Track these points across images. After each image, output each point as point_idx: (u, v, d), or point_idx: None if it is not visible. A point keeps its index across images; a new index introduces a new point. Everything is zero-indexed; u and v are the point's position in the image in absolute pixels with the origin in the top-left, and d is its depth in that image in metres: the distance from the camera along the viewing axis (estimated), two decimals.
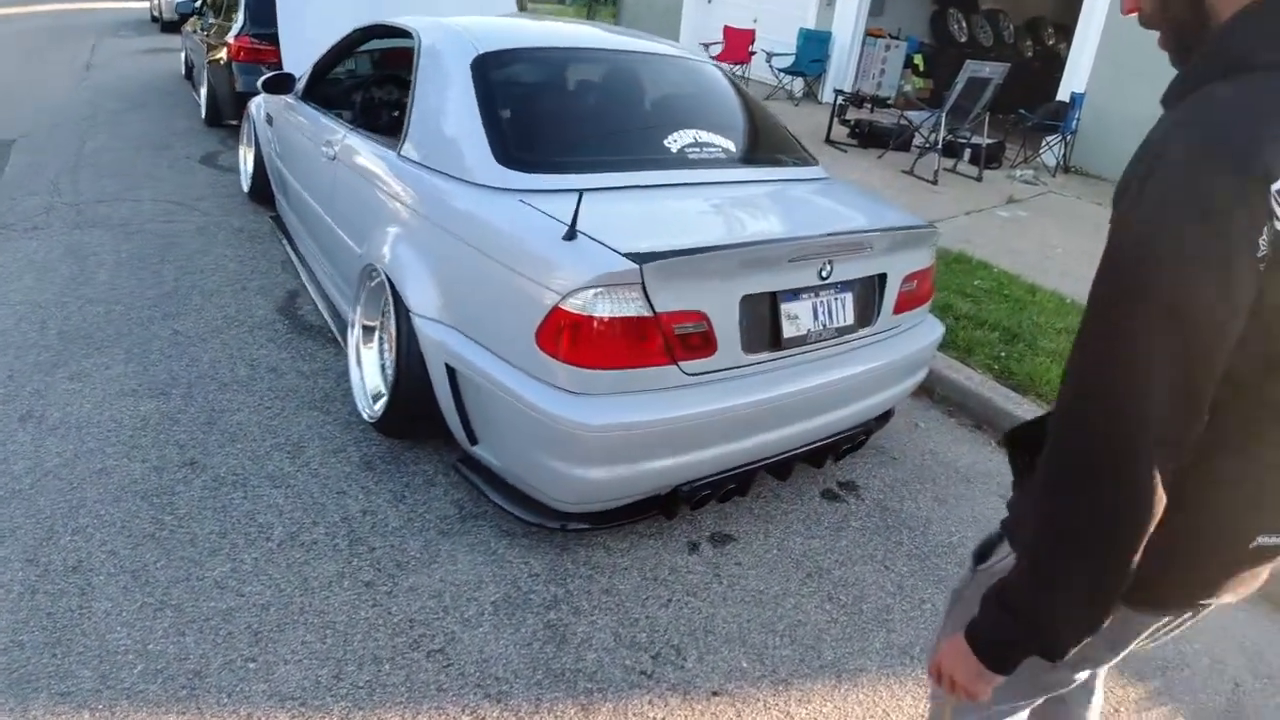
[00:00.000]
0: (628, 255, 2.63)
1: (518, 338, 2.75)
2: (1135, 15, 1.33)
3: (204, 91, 8.76)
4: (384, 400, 3.39)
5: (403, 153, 3.52)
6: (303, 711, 2.47)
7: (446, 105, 3.44)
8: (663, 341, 2.69)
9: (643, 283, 2.61)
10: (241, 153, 6.55)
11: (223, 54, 7.98)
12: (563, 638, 2.77)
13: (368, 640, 2.70)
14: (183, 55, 11.60)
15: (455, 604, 2.84)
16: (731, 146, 3.82)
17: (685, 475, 2.90)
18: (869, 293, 3.28)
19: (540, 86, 3.78)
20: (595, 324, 2.61)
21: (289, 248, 5.25)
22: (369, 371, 3.58)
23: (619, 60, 4.12)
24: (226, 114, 8.20)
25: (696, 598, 2.97)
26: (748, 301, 2.85)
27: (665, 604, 2.93)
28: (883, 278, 3.30)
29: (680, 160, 3.50)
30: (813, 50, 12.93)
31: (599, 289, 2.60)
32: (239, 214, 6.15)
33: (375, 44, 5.05)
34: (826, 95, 12.51)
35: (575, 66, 3.99)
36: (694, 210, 3.25)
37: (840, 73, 12.75)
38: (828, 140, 10.07)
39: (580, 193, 2.80)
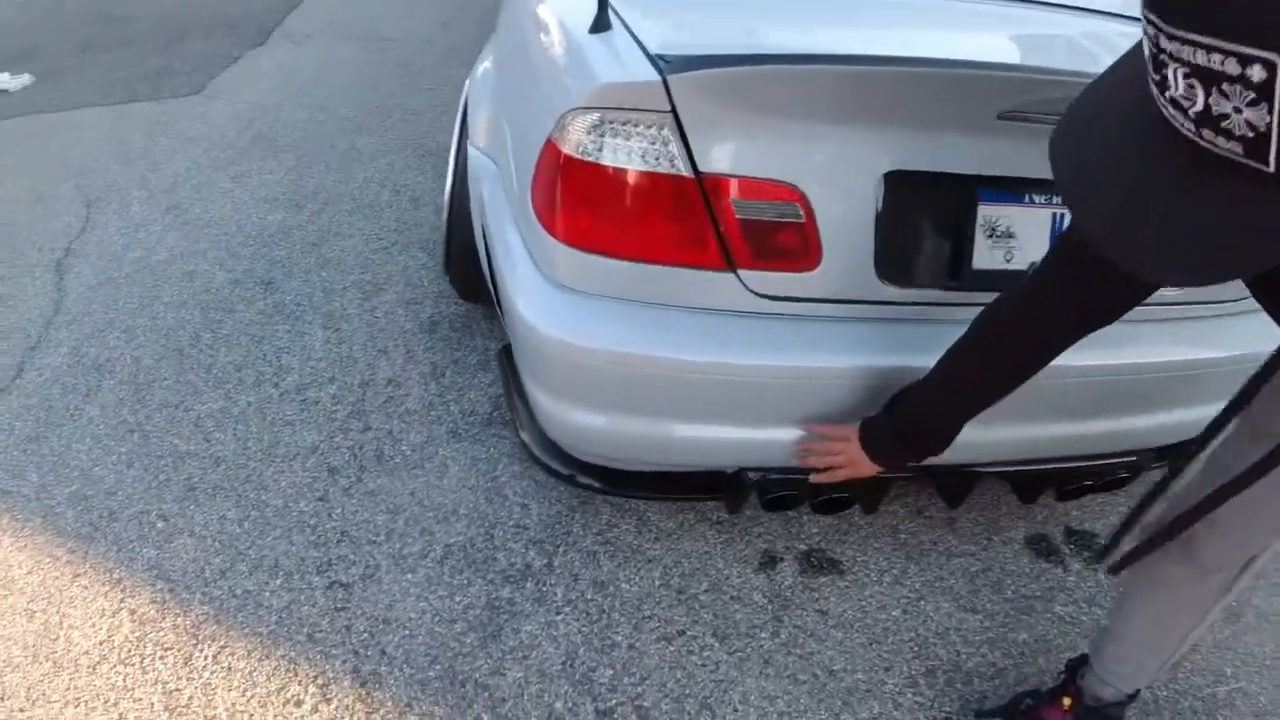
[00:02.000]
0: (655, 58, 1.50)
1: (522, 189, 1.77)
2: None
3: None
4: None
5: None
6: (162, 600, 1.95)
7: None
8: (712, 229, 1.54)
9: (673, 109, 1.47)
10: None
11: None
12: (497, 633, 1.84)
13: (283, 540, 2.02)
14: None
15: (405, 531, 2.02)
16: None
17: (754, 457, 1.74)
18: None
19: None
20: (598, 177, 1.54)
21: None
22: None
23: None
24: None
25: (725, 644, 1.85)
26: (900, 185, 1.56)
27: (670, 639, 1.86)
28: None
29: None
30: None
31: (601, 114, 1.51)
32: None
33: None
34: None
35: None
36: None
37: None
38: None
39: None
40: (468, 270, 2.33)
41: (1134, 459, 1.99)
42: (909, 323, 1.65)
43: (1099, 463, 1.98)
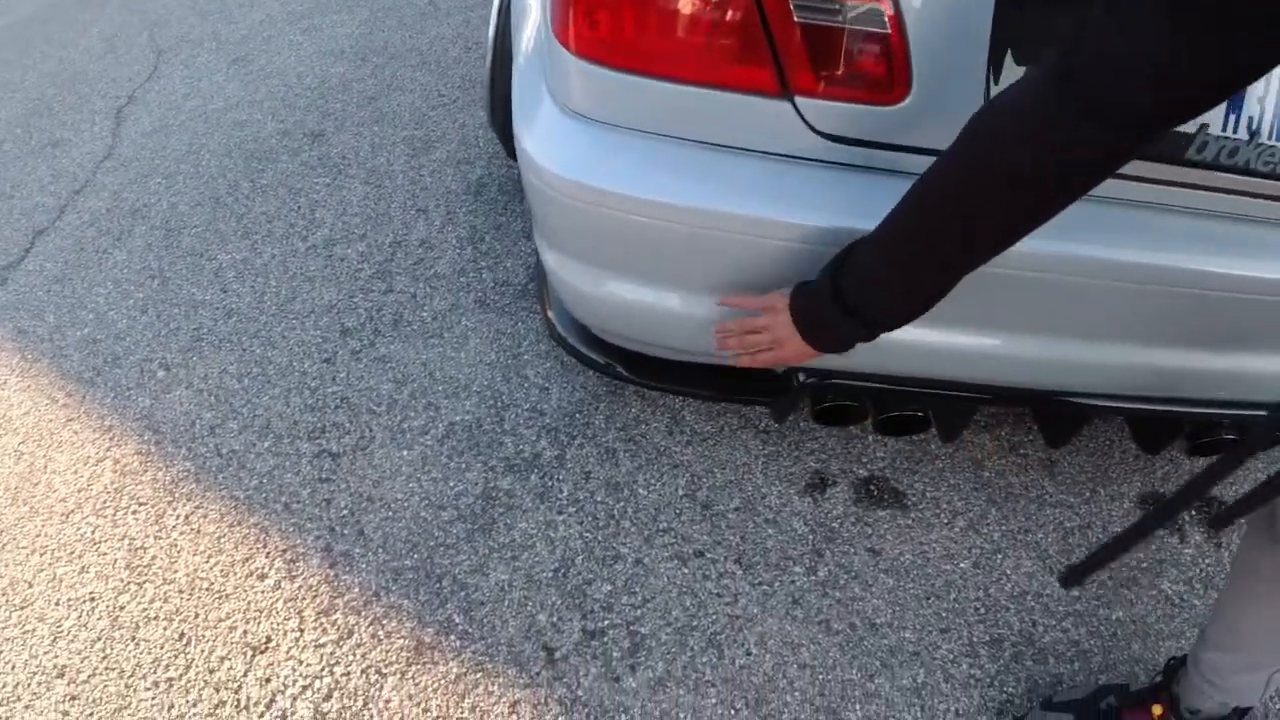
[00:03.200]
0: None
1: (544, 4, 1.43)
2: None
3: None
4: None
5: None
6: (151, 452, 1.79)
7: None
8: (762, 33, 1.15)
9: None
10: None
11: None
12: (488, 527, 1.57)
13: (280, 401, 1.79)
14: None
15: (409, 404, 1.76)
16: None
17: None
18: None
19: None
20: None
21: None
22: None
23: None
24: None
25: (750, 573, 1.53)
26: None
27: (684, 559, 1.55)
28: None
29: None
30: None
31: None
32: None
33: None
34: None
35: None
36: None
37: None
38: None
39: None
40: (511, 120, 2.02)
41: None
42: None
43: (1247, 412, 1.55)
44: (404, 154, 2.39)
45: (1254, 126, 1.28)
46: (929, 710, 1.43)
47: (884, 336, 1.27)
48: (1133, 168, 1.27)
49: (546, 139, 1.30)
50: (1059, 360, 1.39)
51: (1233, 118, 1.27)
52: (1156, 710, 1.34)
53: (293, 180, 2.34)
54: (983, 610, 1.56)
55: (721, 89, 1.19)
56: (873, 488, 1.70)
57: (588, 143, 1.25)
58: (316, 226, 2.19)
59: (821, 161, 1.22)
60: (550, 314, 1.67)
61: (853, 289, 1.06)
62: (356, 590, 1.53)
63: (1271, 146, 1.27)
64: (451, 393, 1.79)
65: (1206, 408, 1.55)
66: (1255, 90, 1.26)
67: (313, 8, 3.23)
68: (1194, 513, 1.80)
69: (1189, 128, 1.25)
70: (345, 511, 1.63)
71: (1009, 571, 1.62)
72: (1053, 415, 1.60)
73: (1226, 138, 1.26)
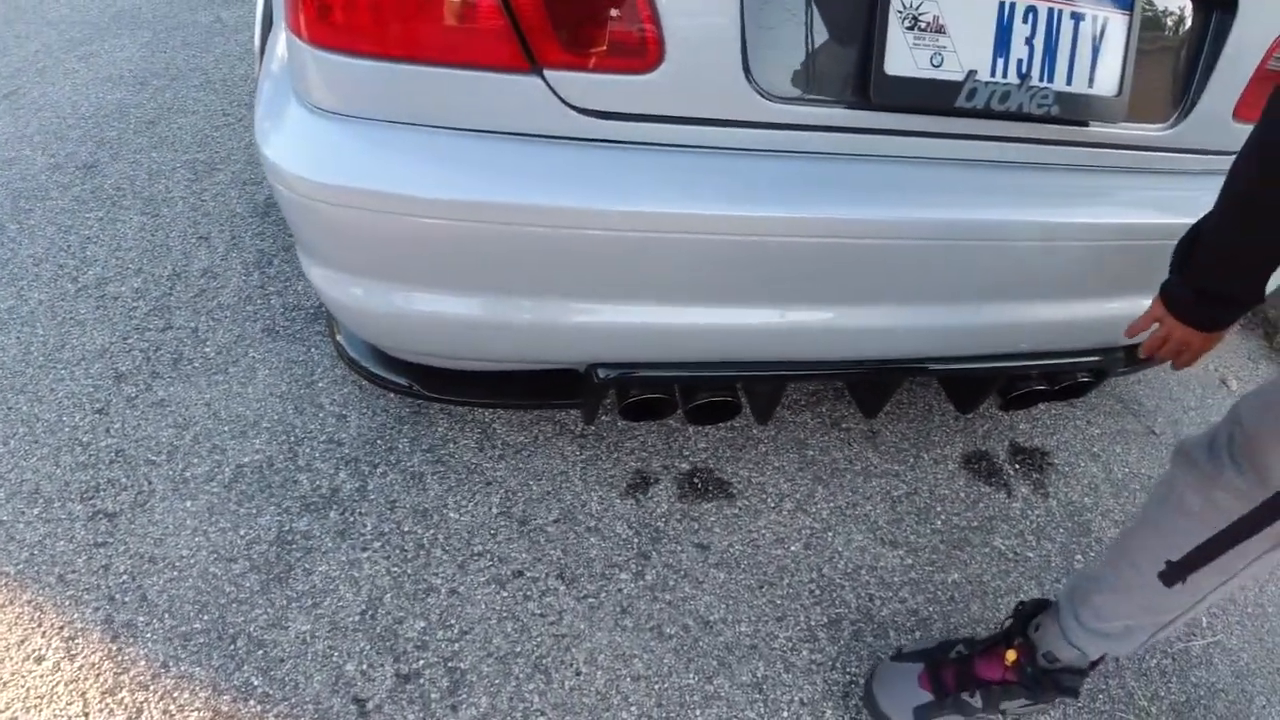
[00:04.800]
0: None
1: None
2: None
3: None
4: None
5: None
6: None
7: None
8: (503, 10, 1.03)
9: None
10: None
11: None
12: (284, 575, 1.39)
13: (49, 461, 1.56)
14: None
15: (192, 449, 1.56)
16: None
17: (606, 347, 1.28)
18: (1174, 46, 1.27)
19: None
20: None
21: None
22: None
23: None
24: None
25: (574, 588, 1.41)
26: None
27: (502, 582, 1.42)
28: (1225, 20, 1.26)
29: None
30: None
31: None
32: None
33: None
34: None
35: None
36: None
37: None
38: None
39: None
40: None
41: (1098, 359, 1.54)
42: (797, 157, 1.17)
43: (1053, 362, 1.52)
44: (184, 179, 2.16)
45: (1023, 70, 1.23)
46: (772, 704, 1.34)
47: (668, 320, 1.18)
48: (899, 121, 1.21)
49: (291, 141, 1.13)
50: (858, 328, 1.32)
51: (1000, 61, 1.22)
52: (1010, 656, 1.28)
53: (62, 218, 2.08)
54: (818, 592, 1.48)
55: (468, 68, 1.06)
56: (696, 480, 1.60)
57: (336, 140, 1.10)
58: (88, 265, 1.94)
59: (581, 140, 1.10)
60: (339, 337, 1.50)
61: (1210, 286, 1.04)
62: (143, 663, 1.32)
63: (1043, 88, 1.23)
64: (239, 432, 1.59)
65: (1018, 362, 1.52)
66: (1022, 31, 1.22)
67: (91, 34, 2.93)
68: (1017, 465, 1.77)
69: (958, 75, 1.20)
70: (125, 577, 1.42)
71: (841, 548, 1.54)
72: (865, 386, 1.54)
73: (996, 83, 1.21)
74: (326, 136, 1.11)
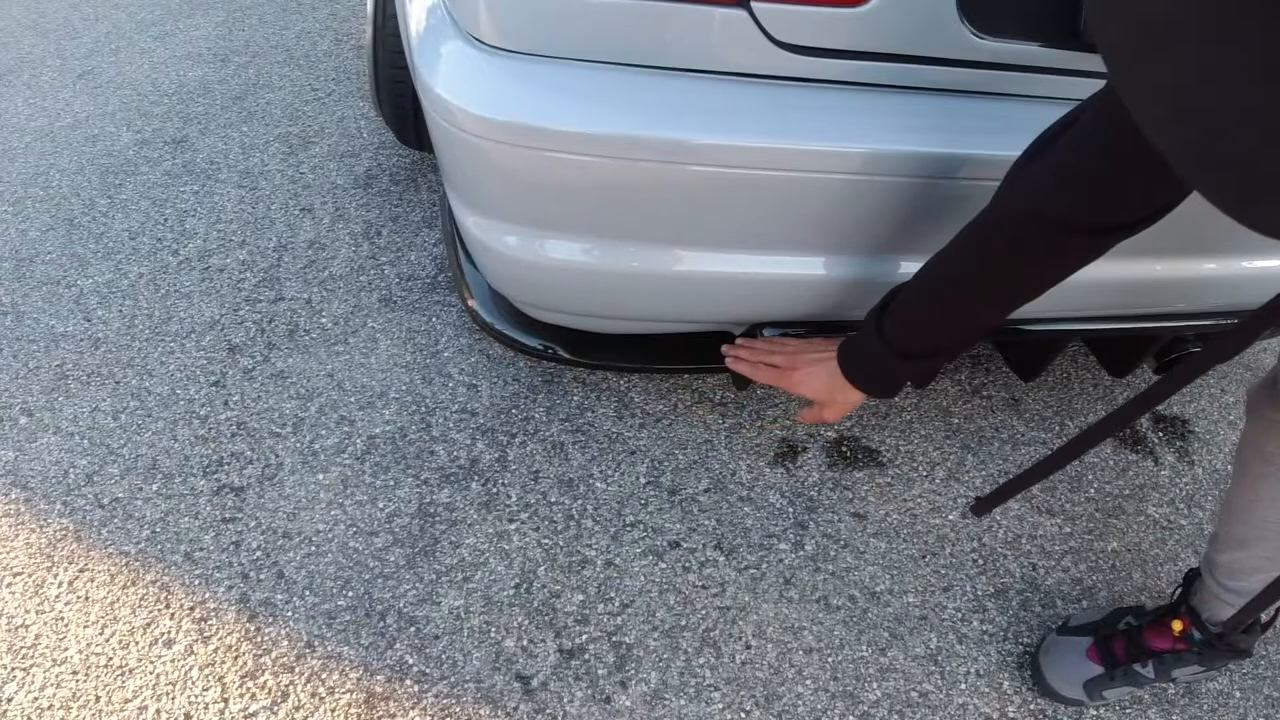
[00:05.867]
0: None
1: None
2: None
3: None
4: None
5: None
6: (21, 512, 1.45)
7: None
8: None
9: None
10: None
11: None
12: (430, 548, 1.31)
13: (165, 435, 1.48)
14: None
15: (318, 421, 1.48)
16: None
17: (775, 305, 1.19)
18: None
19: None
20: None
21: None
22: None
23: None
24: None
25: (734, 559, 1.32)
26: None
27: (660, 553, 1.33)
28: None
29: None
30: None
31: None
32: None
33: None
34: None
35: None
36: None
37: None
38: None
39: None
40: (401, 97, 1.74)
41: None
42: (1005, 99, 1.08)
43: (1209, 323, 1.43)
44: (279, 152, 2.08)
45: None
46: (949, 675, 1.25)
47: (851, 273, 1.10)
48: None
49: (463, 78, 1.05)
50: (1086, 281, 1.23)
51: None
52: (1177, 626, 1.21)
53: (155, 191, 2.00)
54: (981, 561, 1.39)
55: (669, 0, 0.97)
56: (844, 449, 1.51)
57: (513, 76, 1.01)
58: (188, 238, 1.86)
59: (785, 80, 1.01)
60: (473, 303, 1.42)
61: (918, 346, 1.02)
62: (285, 644, 1.25)
63: None
64: (366, 403, 1.51)
65: (1173, 321, 1.42)
66: None
67: (162, 15, 2.85)
68: (1162, 435, 1.68)
69: None
70: (259, 553, 1.34)
71: (999, 517, 1.46)
72: (1021, 349, 1.45)
73: None
74: (501, 73, 1.02)
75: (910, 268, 1.12)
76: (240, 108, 2.26)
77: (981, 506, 1.12)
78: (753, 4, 0.96)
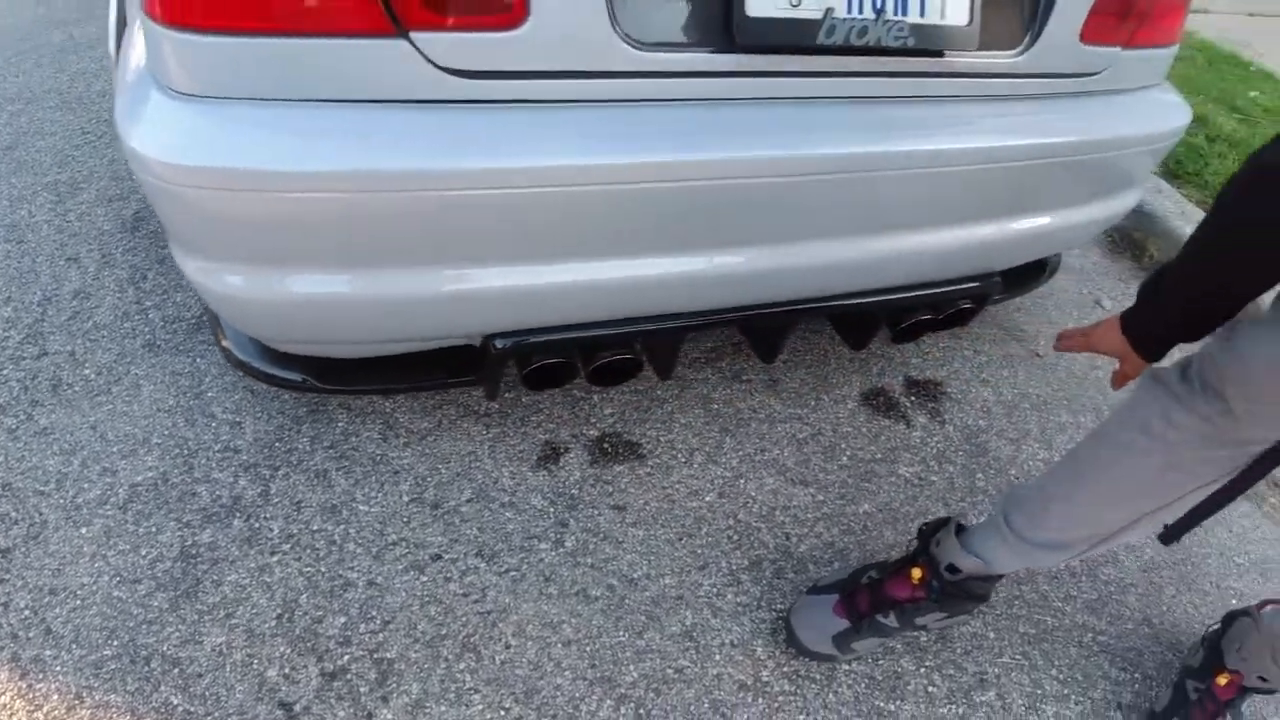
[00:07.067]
0: None
1: None
2: None
3: None
4: None
5: None
6: None
7: None
8: None
9: None
10: None
11: None
12: (193, 590, 1.31)
13: None
14: None
15: (81, 475, 1.45)
16: None
17: (500, 317, 1.23)
18: None
19: None
20: None
21: None
22: None
23: None
24: None
25: (494, 564, 1.37)
26: None
27: (421, 567, 1.36)
28: None
29: None
30: None
31: None
32: None
33: None
34: None
35: None
36: None
37: None
38: None
39: None
40: None
41: (976, 285, 1.57)
42: (669, 105, 1.15)
43: (935, 291, 1.54)
44: (48, 201, 2.01)
45: (878, 4, 1.23)
46: (703, 649, 1.32)
47: (560, 279, 1.14)
48: (765, 62, 1.20)
49: (152, 128, 1.05)
50: (745, 272, 1.31)
51: None
52: (915, 573, 1.29)
53: None
54: (736, 537, 1.47)
55: (330, 36, 1.00)
56: (606, 445, 1.57)
57: (198, 121, 1.02)
58: None
59: (455, 103, 1.05)
60: (225, 342, 1.42)
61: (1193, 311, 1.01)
62: (56, 698, 1.23)
63: (898, 21, 1.23)
64: (129, 451, 1.49)
65: (901, 293, 1.53)
66: None
67: None
68: (913, 398, 1.80)
69: (816, 12, 1.19)
70: (27, 612, 1.31)
71: (754, 493, 1.54)
72: (760, 333, 1.53)
73: (853, 19, 1.21)
74: (187, 119, 1.03)
75: (596, 270, 1.19)
76: (11, 158, 2.18)
77: (1169, 535, 1.13)
78: (412, 34, 1.00)
